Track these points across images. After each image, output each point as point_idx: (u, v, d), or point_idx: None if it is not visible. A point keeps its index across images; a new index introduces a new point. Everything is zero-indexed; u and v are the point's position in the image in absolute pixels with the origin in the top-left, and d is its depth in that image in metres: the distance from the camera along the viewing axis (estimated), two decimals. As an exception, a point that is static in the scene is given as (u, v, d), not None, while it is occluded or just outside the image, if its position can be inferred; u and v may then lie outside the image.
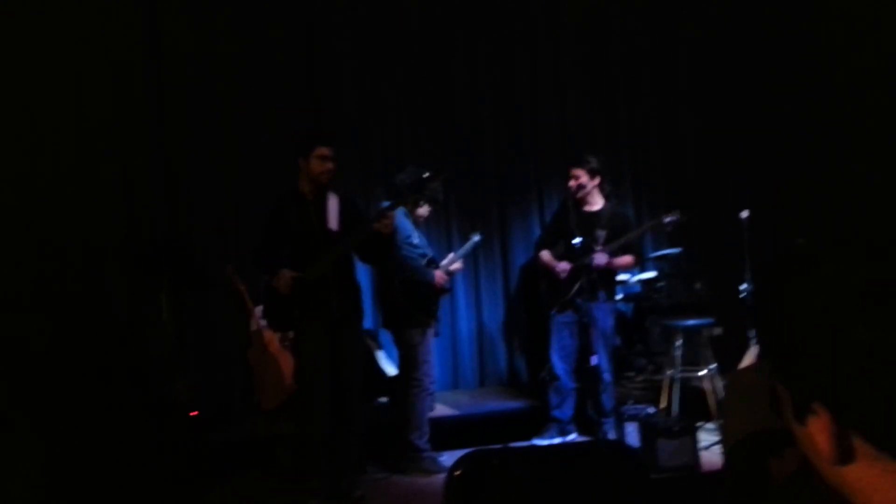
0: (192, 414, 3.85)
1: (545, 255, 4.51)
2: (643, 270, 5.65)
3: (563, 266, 4.36)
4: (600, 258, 4.25)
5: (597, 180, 4.41)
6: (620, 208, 4.52)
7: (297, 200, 3.67)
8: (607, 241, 4.36)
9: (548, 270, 4.45)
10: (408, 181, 4.10)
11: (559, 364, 4.39)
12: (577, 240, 4.24)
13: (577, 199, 4.40)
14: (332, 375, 3.61)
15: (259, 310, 4.78)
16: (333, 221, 3.67)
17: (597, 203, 4.45)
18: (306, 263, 3.57)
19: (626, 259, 4.42)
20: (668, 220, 4.39)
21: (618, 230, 4.39)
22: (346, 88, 5.46)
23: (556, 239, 4.54)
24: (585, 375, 4.45)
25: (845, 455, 0.59)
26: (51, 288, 4.43)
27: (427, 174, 3.78)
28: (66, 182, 4.66)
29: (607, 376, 4.35)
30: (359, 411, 3.72)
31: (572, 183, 4.39)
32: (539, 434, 4.41)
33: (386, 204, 3.73)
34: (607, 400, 4.35)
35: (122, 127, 4.84)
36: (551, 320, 4.44)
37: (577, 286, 4.32)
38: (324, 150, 3.62)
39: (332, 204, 3.69)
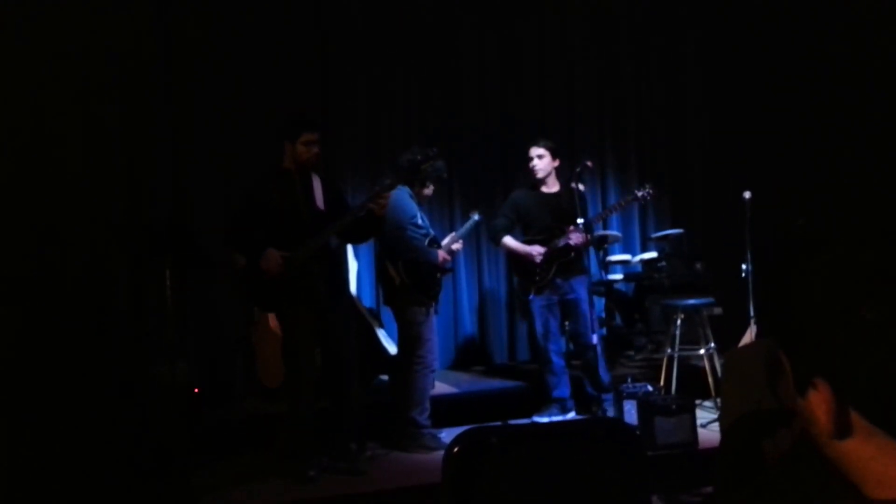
0: (195, 391, 3.88)
1: (511, 241, 4.50)
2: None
3: (538, 249, 4.38)
4: (577, 237, 4.27)
5: (557, 162, 4.45)
6: (578, 190, 4.53)
7: (281, 179, 3.67)
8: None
9: (519, 256, 4.46)
10: (416, 162, 4.10)
11: (550, 347, 4.42)
12: (580, 220, 4.26)
13: (538, 181, 4.42)
14: (324, 354, 3.62)
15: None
16: (319, 201, 3.67)
17: (555, 185, 4.48)
18: (291, 243, 3.56)
19: (587, 236, 4.45)
20: (641, 193, 4.53)
21: (582, 210, 4.41)
22: (353, 71, 5.45)
23: (514, 224, 4.54)
24: (577, 351, 4.47)
25: (843, 430, 0.60)
26: (53, 267, 4.44)
27: (419, 157, 3.79)
28: (70, 162, 4.65)
29: (598, 349, 4.39)
30: (355, 387, 3.75)
31: (535, 164, 4.38)
32: (540, 411, 4.45)
33: (386, 182, 3.74)
34: (604, 374, 4.39)
35: (128, 108, 4.82)
36: (530, 305, 4.46)
37: (554, 267, 4.34)
38: (310, 136, 3.62)
39: (317, 184, 3.71)
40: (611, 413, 4.26)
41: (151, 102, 4.88)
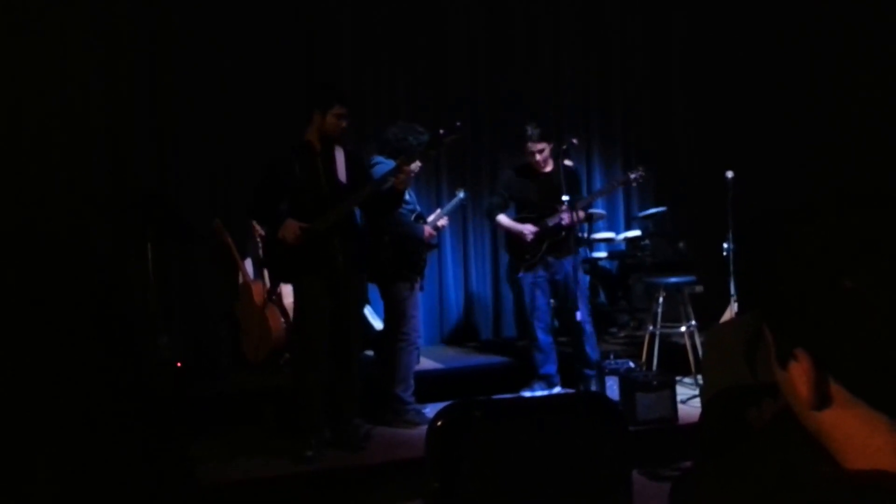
0: (178, 365, 3.86)
1: (504, 219, 4.54)
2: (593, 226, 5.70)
3: (530, 227, 4.41)
4: (566, 217, 4.30)
5: (551, 144, 4.45)
6: (572, 167, 4.54)
7: (304, 152, 3.63)
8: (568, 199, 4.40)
9: (511, 234, 4.49)
10: (402, 137, 4.07)
11: (537, 324, 4.45)
12: (565, 197, 4.27)
13: (536, 164, 4.43)
14: (334, 328, 3.61)
15: (247, 263, 4.78)
16: (342, 174, 3.64)
17: (549, 164, 4.48)
18: (312, 215, 3.54)
19: (581, 214, 4.48)
20: (633, 175, 4.53)
21: (574, 188, 4.43)
22: (339, 42, 5.38)
23: (509, 203, 4.57)
24: (564, 329, 4.51)
25: (823, 400, 0.60)
26: (35, 240, 4.38)
27: (442, 131, 3.64)
28: (53, 134, 4.57)
29: (588, 327, 4.43)
30: (359, 363, 3.78)
31: (539, 158, 4.38)
32: (527, 386, 4.49)
33: (408, 156, 3.70)
34: (591, 351, 4.43)
35: (110, 79, 4.75)
36: (520, 283, 4.49)
37: (545, 246, 4.36)
38: (342, 110, 3.58)
39: (340, 157, 3.67)
40: (594, 388, 4.30)
41: (134, 74, 4.80)
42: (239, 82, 4.99)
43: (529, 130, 4.39)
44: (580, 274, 4.46)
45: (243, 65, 5.01)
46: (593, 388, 4.34)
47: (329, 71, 5.32)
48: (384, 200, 3.67)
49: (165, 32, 4.89)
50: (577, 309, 4.31)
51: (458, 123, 3.70)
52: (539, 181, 4.44)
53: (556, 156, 4.42)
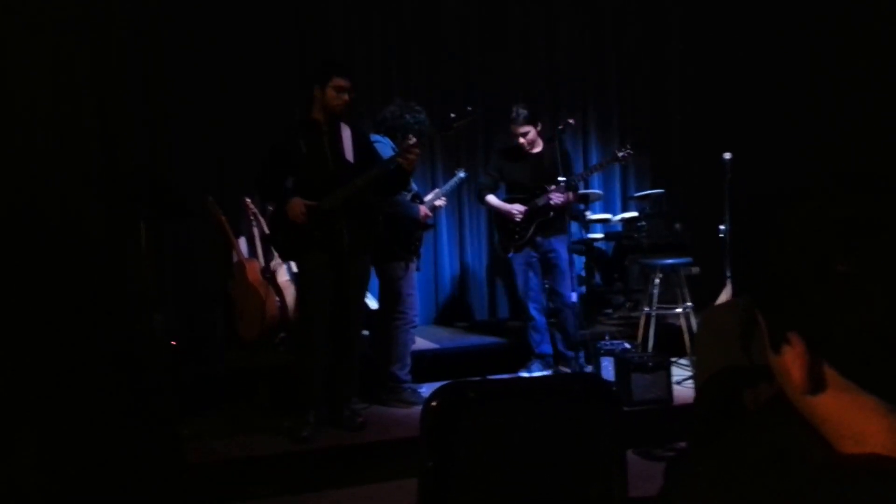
0: (172, 344, 3.86)
1: (493, 199, 4.56)
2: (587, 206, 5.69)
3: (519, 207, 4.42)
4: (557, 197, 4.30)
5: (539, 126, 4.45)
6: (562, 146, 4.55)
7: (309, 129, 3.60)
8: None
9: (500, 214, 4.49)
10: (398, 115, 4.06)
11: (532, 304, 4.48)
12: (561, 178, 4.27)
13: (522, 146, 4.43)
14: (336, 306, 3.60)
15: (241, 241, 4.77)
16: (348, 152, 3.61)
17: (538, 145, 4.48)
18: (318, 193, 3.52)
19: (571, 195, 4.48)
20: (622, 154, 4.54)
21: (565, 169, 4.43)
22: (332, 20, 5.34)
23: (498, 184, 4.58)
24: (554, 308, 4.55)
25: (816, 385, 0.60)
26: (27, 218, 4.36)
27: (453, 114, 3.61)
28: (44, 113, 4.53)
29: (573, 306, 4.45)
30: (359, 343, 3.78)
31: (523, 141, 4.38)
32: (524, 367, 4.51)
33: (417, 137, 3.69)
34: (573, 331, 4.45)
35: (103, 56, 4.70)
36: (511, 263, 4.51)
37: (533, 226, 4.37)
38: (341, 82, 3.54)
39: (346, 135, 3.64)
40: (587, 369, 4.33)
41: (125, 52, 4.75)
42: (231, 61, 4.95)
43: (514, 113, 4.40)
44: (569, 254, 4.46)
45: (235, 44, 4.96)
46: (571, 369, 4.38)
47: (321, 51, 5.27)
48: (391, 180, 3.65)
49: (157, 11, 4.83)
50: (572, 290, 4.32)
51: (469, 108, 3.68)
52: (528, 162, 4.45)
53: (550, 137, 4.42)
